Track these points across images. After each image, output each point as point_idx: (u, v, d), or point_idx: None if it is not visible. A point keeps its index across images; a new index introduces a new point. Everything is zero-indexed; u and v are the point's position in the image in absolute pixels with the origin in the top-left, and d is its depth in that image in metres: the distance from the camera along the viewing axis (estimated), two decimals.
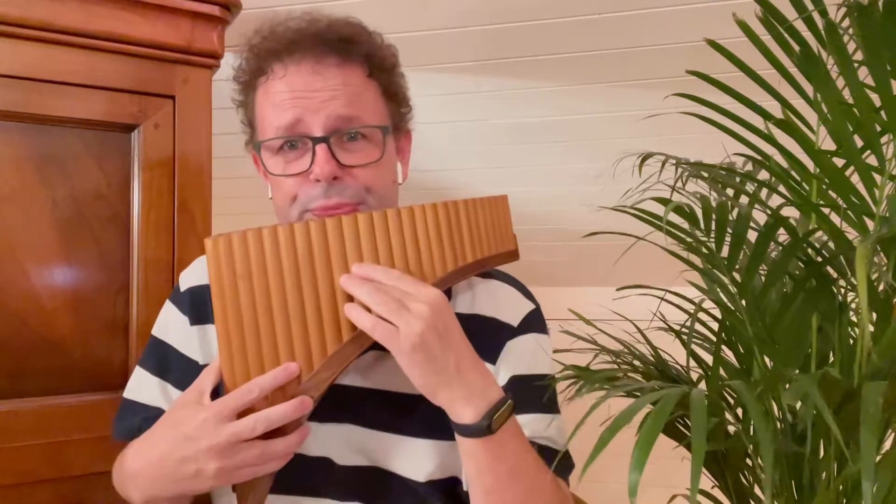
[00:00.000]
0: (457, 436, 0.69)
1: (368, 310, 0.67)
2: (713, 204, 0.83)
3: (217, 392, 0.70)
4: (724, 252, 0.85)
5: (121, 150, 1.14)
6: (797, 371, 0.83)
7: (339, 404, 0.76)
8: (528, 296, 0.87)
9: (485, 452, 0.68)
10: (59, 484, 1.07)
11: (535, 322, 0.84)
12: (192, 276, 0.88)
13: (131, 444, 0.78)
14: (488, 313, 0.82)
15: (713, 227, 0.84)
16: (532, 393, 0.79)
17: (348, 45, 0.77)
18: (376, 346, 0.70)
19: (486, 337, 0.80)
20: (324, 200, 0.75)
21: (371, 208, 0.76)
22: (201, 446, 0.65)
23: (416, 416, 0.73)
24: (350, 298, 0.68)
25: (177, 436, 0.67)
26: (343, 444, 0.79)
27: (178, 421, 0.68)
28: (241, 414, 0.66)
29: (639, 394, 0.74)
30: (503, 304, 0.84)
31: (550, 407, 0.80)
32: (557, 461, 0.76)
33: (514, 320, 0.83)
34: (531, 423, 0.77)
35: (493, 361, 0.80)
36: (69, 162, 1.11)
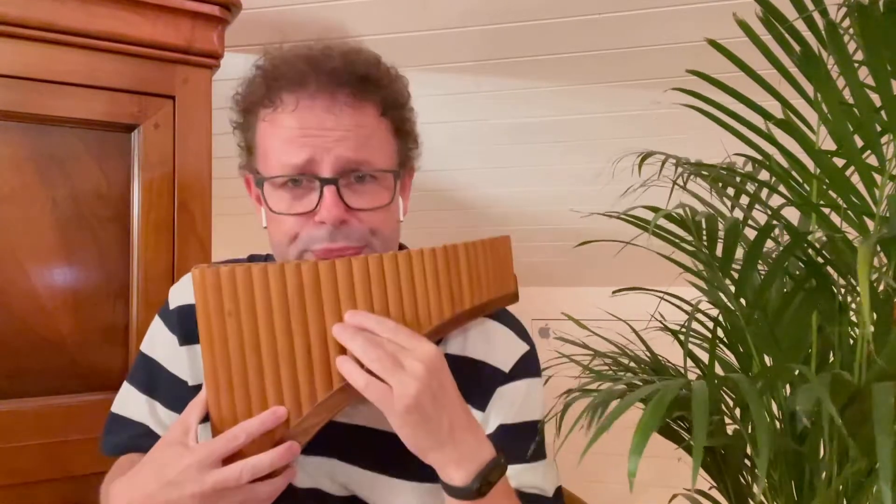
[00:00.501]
0: (445, 494, 0.68)
1: (361, 363, 0.64)
2: (706, 211, 0.83)
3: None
4: (720, 252, 0.85)
5: (121, 150, 1.14)
6: (797, 372, 0.83)
7: (324, 438, 0.73)
8: (523, 335, 0.84)
9: None
10: (59, 484, 1.07)
11: (527, 366, 0.81)
12: (182, 293, 0.83)
13: (116, 475, 0.76)
14: (479, 356, 0.80)
15: (704, 232, 0.84)
16: (522, 442, 0.77)
17: (363, 84, 0.73)
18: None
19: (476, 382, 0.78)
20: (328, 243, 0.73)
21: (375, 251, 0.74)
22: (185, 493, 0.63)
23: (403, 457, 0.70)
24: (342, 346, 0.66)
25: (161, 479, 0.65)
26: (328, 477, 0.78)
27: (163, 462, 0.66)
28: (227, 458, 0.64)
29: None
30: (496, 347, 0.81)
31: (539, 454, 0.78)
32: None
33: (507, 365, 0.80)
34: (520, 475, 0.76)
35: (483, 408, 0.78)
36: (69, 162, 1.11)
